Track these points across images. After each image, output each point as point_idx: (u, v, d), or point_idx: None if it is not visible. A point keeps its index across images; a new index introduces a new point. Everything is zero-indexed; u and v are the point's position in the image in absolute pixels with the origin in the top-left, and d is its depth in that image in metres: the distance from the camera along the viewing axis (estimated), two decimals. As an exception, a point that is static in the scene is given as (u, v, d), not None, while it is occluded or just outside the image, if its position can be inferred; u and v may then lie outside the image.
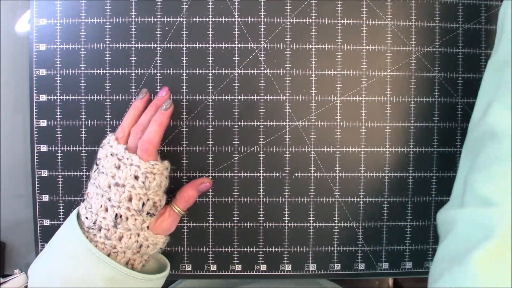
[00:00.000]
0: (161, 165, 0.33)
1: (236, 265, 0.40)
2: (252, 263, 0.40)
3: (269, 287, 0.44)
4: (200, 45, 0.40)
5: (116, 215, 0.32)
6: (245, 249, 0.40)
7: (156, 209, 0.34)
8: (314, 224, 0.40)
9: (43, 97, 0.40)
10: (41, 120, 0.40)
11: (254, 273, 0.40)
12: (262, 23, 0.40)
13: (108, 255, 0.32)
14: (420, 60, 0.40)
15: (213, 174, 0.40)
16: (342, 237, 0.41)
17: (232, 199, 0.40)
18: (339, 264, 0.41)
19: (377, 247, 0.41)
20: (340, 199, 0.40)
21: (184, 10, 0.40)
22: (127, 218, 0.32)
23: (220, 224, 0.40)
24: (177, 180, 0.40)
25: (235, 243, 0.40)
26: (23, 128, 0.41)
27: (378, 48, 0.40)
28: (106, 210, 0.32)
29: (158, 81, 0.40)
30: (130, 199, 0.32)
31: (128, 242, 0.32)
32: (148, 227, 0.34)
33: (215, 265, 0.40)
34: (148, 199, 0.32)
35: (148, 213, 0.33)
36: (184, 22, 0.40)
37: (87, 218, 0.33)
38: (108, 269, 0.31)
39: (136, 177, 0.32)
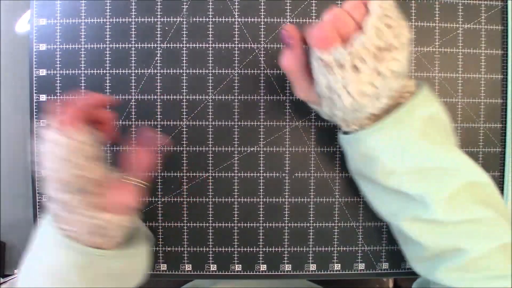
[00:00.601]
0: (73, 133, 0.28)
1: (236, 265, 0.40)
2: (252, 263, 0.40)
3: (247, 287, 0.44)
4: (200, 45, 0.40)
5: (64, 202, 0.28)
6: (245, 249, 0.40)
7: (96, 186, 0.29)
8: (314, 224, 0.40)
9: (43, 97, 0.40)
10: (41, 121, 0.40)
11: (254, 273, 0.40)
12: (262, 23, 0.40)
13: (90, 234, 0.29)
14: (420, 60, 0.40)
15: (213, 174, 0.40)
16: (342, 237, 0.41)
17: (232, 199, 0.40)
18: (339, 264, 0.41)
19: (377, 247, 0.41)
20: (340, 199, 0.40)
21: (184, 10, 0.40)
22: (71, 207, 0.28)
23: (220, 224, 0.40)
24: (177, 180, 0.40)
25: (235, 243, 0.40)
26: (23, 128, 0.41)
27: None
28: (57, 191, 0.28)
29: (158, 81, 0.40)
30: (58, 186, 0.28)
31: (83, 229, 0.28)
32: (101, 207, 0.29)
33: (215, 265, 0.40)
34: (78, 176, 0.28)
35: (90, 193, 0.28)
36: (184, 22, 0.40)
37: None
38: (75, 255, 0.28)
39: (55, 155, 0.28)
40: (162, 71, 0.40)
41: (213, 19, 0.40)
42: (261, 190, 0.40)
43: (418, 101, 0.30)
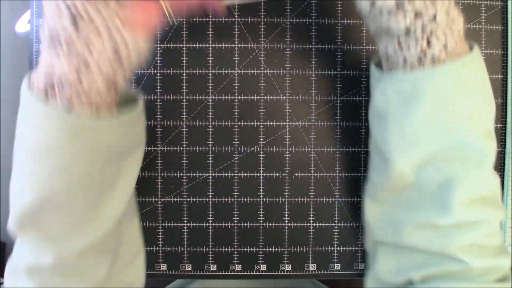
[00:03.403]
0: None
1: (236, 265, 0.40)
2: (252, 263, 0.40)
3: (247, 287, 0.44)
4: (200, 45, 0.40)
5: (72, 13, 0.23)
6: (245, 249, 0.40)
7: None
8: (314, 224, 0.40)
9: (43, 97, 0.40)
10: (41, 120, 0.40)
11: (254, 273, 0.40)
12: (262, 23, 0.40)
13: (80, 80, 0.24)
14: (420, 60, 0.40)
15: (213, 174, 0.40)
16: (342, 237, 0.41)
17: (232, 199, 0.40)
18: (339, 264, 0.41)
19: (377, 247, 0.41)
20: (340, 199, 0.40)
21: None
22: (86, 13, 0.23)
23: (220, 224, 0.40)
24: (176, 180, 0.40)
25: (235, 243, 0.40)
26: (23, 128, 0.41)
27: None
28: (62, 15, 0.24)
29: (158, 81, 0.40)
30: None
31: (101, 47, 0.24)
32: (121, 23, 0.24)
33: (215, 265, 0.40)
34: None
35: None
36: (184, 22, 0.40)
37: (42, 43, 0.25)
38: (63, 125, 0.24)
39: None
40: (162, 71, 0.40)
41: (213, 19, 0.40)
42: (261, 190, 0.40)
43: (478, 51, 0.28)
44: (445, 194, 0.27)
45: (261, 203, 0.40)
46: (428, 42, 0.26)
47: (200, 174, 0.40)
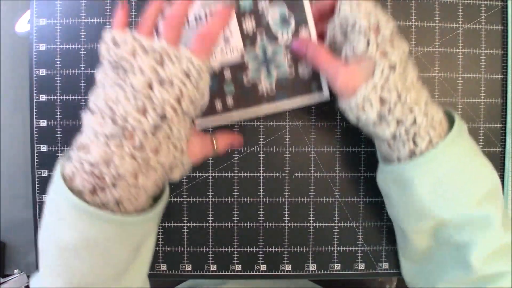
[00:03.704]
0: (209, 63, 0.29)
1: (236, 265, 0.40)
2: (252, 263, 0.40)
3: (247, 287, 0.44)
4: (200, 45, 0.39)
5: (163, 116, 0.26)
6: (245, 249, 0.40)
7: (196, 115, 0.30)
8: (314, 224, 0.40)
9: (43, 97, 0.40)
10: (41, 120, 0.40)
11: (254, 273, 0.40)
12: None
13: (137, 174, 0.26)
14: (420, 60, 0.40)
15: (213, 174, 0.40)
16: (342, 237, 0.41)
17: (232, 199, 0.40)
18: (339, 264, 0.41)
19: (377, 247, 0.41)
20: (340, 199, 0.40)
21: (184, 10, 0.39)
22: (172, 122, 0.27)
23: (220, 224, 0.40)
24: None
25: (235, 243, 0.40)
26: (23, 128, 0.41)
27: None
28: (144, 112, 0.26)
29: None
30: (178, 99, 0.26)
31: (166, 155, 0.27)
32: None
33: (215, 265, 0.40)
34: (196, 99, 0.28)
35: (190, 117, 0.29)
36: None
37: (105, 135, 0.25)
38: (110, 227, 0.25)
39: (187, 75, 0.27)
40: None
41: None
42: (261, 190, 0.40)
43: (460, 122, 0.30)
44: (463, 255, 0.30)
45: (261, 203, 0.40)
46: (414, 142, 0.29)
47: (200, 174, 0.40)
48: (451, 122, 0.31)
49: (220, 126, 0.38)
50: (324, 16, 0.34)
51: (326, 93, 0.34)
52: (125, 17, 0.29)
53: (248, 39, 0.35)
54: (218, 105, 0.35)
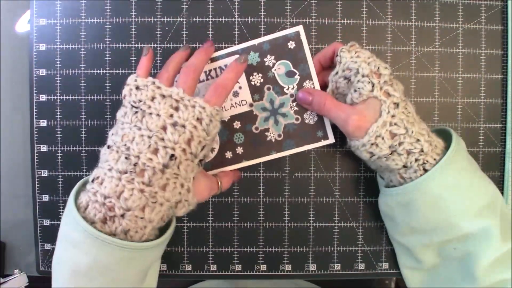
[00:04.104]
0: (222, 112, 0.32)
1: (236, 265, 0.40)
2: (252, 263, 0.40)
3: (245, 287, 0.44)
4: (200, 45, 0.40)
5: (172, 156, 0.29)
6: (245, 249, 0.40)
7: (205, 160, 0.32)
8: (314, 224, 0.40)
9: (43, 97, 0.40)
10: (41, 120, 0.40)
11: (254, 273, 0.40)
12: (262, 23, 0.40)
13: (143, 207, 0.28)
14: (420, 60, 0.40)
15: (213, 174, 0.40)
16: (342, 237, 0.41)
17: (232, 199, 0.40)
18: (339, 264, 0.41)
19: (377, 247, 0.41)
20: (340, 199, 0.40)
21: (184, 10, 0.40)
22: (180, 162, 0.29)
23: (220, 224, 0.40)
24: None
25: (235, 243, 0.40)
26: (23, 128, 0.41)
27: (378, 48, 0.40)
28: (156, 151, 0.29)
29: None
30: (188, 142, 0.30)
31: (172, 191, 0.29)
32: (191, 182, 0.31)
33: (215, 265, 0.40)
34: (206, 145, 0.31)
35: (200, 161, 0.31)
36: (184, 22, 0.40)
37: (115, 170, 0.29)
38: (119, 251, 0.28)
39: (199, 120, 0.30)
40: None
41: (213, 19, 0.40)
42: (261, 190, 0.40)
43: (458, 141, 0.32)
44: (467, 268, 0.31)
45: (261, 203, 0.40)
46: (425, 169, 0.31)
47: (200, 174, 0.40)
48: (449, 138, 0.33)
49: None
50: (325, 67, 0.37)
51: (331, 140, 0.37)
52: (149, 63, 0.33)
53: (256, 92, 0.38)
54: (228, 155, 0.37)
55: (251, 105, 0.37)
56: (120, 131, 0.30)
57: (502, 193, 0.41)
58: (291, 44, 0.37)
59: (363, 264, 0.41)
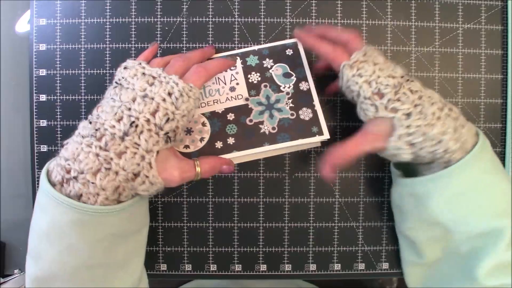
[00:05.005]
0: (197, 90, 0.32)
1: (236, 265, 0.40)
2: (252, 263, 0.40)
3: (245, 287, 0.44)
4: (200, 45, 0.40)
5: (133, 122, 0.29)
6: (245, 249, 0.40)
7: (174, 137, 0.31)
8: (314, 224, 0.40)
9: (43, 97, 0.40)
10: (41, 120, 0.40)
11: (254, 273, 0.40)
12: (262, 23, 0.40)
13: (96, 171, 0.28)
14: (420, 60, 0.40)
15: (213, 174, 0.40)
16: (342, 237, 0.41)
17: (232, 199, 0.40)
18: (339, 264, 0.41)
19: (377, 247, 0.41)
20: (340, 199, 0.40)
21: (184, 10, 0.40)
22: (141, 132, 0.29)
23: (220, 224, 0.40)
24: (177, 180, 0.40)
25: (235, 243, 0.40)
26: (23, 128, 0.41)
27: (378, 48, 0.40)
28: (120, 119, 0.29)
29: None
30: (154, 113, 0.29)
31: (129, 161, 0.28)
32: (157, 156, 0.30)
33: (215, 265, 0.40)
34: (173, 119, 0.30)
35: (165, 136, 0.30)
36: (184, 22, 0.40)
37: (80, 135, 0.29)
38: (69, 211, 0.27)
39: (170, 94, 0.30)
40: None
41: (213, 19, 0.40)
42: (261, 190, 0.40)
43: (483, 140, 0.32)
44: (469, 267, 0.31)
45: (261, 203, 0.40)
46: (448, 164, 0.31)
47: (200, 174, 0.40)
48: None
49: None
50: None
51: (326, 136, 0.36)
52: (149, 54, 0.34)
53: (253, 88, 0.37)
54: (219, 145, 0.36)
55: (247, 99, 0.37)
56: (100, 104, 0.31)
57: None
58: (289, 51, 0.38)
59: (363, 264, 0.41)
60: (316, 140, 0.36)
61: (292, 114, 0.36)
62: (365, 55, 0.32)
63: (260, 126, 0.36)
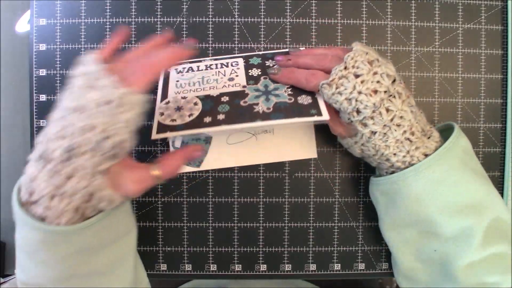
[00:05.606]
0: (141, 96, 0.27)
1: (236, 265, 0.40)
2: (252, 263, 0.40)
3: (244, 287, 0.44)
4: (200, 45, 0.40)
5: (69, 146, 0.25)
6: (245, 249, 0.40)
7: (119, 152, 0.27)
8: (314, 224, 0.40)
9: (43, 97, 0.40)
10: (41, 120, 0.40)
11: (254, 273, 0.40)
12: (262, 23, 0.40)
13: (53, 196, 0.26)
14: (420, 60, 0.40)
15: (213, 174, 0.40)
16: (342, 237, 0.41)
17: (232, 199, 0.40)
18: (339, 264, 0.41)
19: (377, 247, 0.41)
20: (340, 199, 0.40)
21: (184, 10, 0.40)
22: (83, 153, 0.25)
23: (220, 224, 0.40)
24: (176, 180, 0.40)
25: (235, 243, 0.40)
26: (23, 128, 0.41)
27: (378, 48, 0.40)
28: (63, 138, 0.26)
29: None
30: (91, 129, 0.25)
31: (76, 185, 0.25)
32: (107, 173, 0.27)
33: (215, 265, 0.40)
34: (113, 134, 0.26)
35: (108, 153, 0.26)
36: (184, 22, 0.40)
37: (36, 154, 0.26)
38: (35, 231, 0.26)
39: (107, 103, 0.26)
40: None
41: (213, 19, 0.40)
42: (261, 190, 0.40)
43: (458, 133, 0.33)
44: (447, 269, 0.31)
45: (261, 203, 0.40)
46: (411, 164, 0.32)
47: (200, 174, 0.40)
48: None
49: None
50: None
51: (326, 117, 0.33)
52: (115, 44, 0.31)
53: (252, 79, 0.36)
54: (207, 119, 0.33)
55: (244, 86, 0.35)
56: (55, 111, 0.28)
57: (502, 193, 0.41)
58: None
59: (363, 264, 0.41)
60: (314, 119, 0.33)
61: (290, 99, 0.34)
62: (345, 68, 0.31)
63: (255, 106, 0.33)
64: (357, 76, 0.31)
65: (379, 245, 0.41)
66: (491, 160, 0.41)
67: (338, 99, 0.31)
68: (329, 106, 0.33)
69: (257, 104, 0.33)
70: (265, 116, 0.32)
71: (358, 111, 0.31)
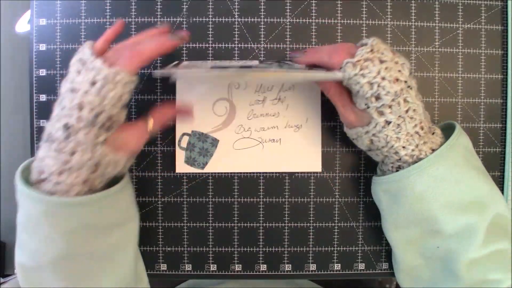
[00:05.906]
0: (126, 75, 0.29)
1: (236, 265, 0.40)
2: (252, 263, 0.40)
3: (245, 287, 0.44)
4: (200, 45, 0.40)
5: (66, 124, 0.28)
6: (245, 249, 0.40)
7: (112, 124, 0.30)
8: (314, 224, 0.40)
9: (43, 97, 0.40)
10: (41, 120, 0.40)
11: (254, 273, 0.40)
12: (262, 23, 0.40)
13: (61, 172, 0.28)
14: (420, 60, 0.40)
15: (213, 174, 0.40)
16: (342, 237, 0.41)
17: (232, 199, 0.40)
18: (339, 264, 0.41)
19: (377, 247, 0.41)
20: (340, 199, 0.40)
21: (184, 10, 0.40)
22: (78, 131, 0.28)
23: (220, 224, 0.40)
24: (176, 180, 0.40)
25: (235, 243, 0.40)
26: (23, 128, 0.41)
27: (378, 48, 0.40)
28: (62, 118, 0.29)
29: (158, 81, 0.40)
30: (81, 108, 0.28)
31: (81, 159, 0.28)
32: (106, 142, 0.30)
33: (215, 265, 0.40)
34: (103, 111, 0.29)
35: (103, 127, 0.29)
36: (184, 22, 0.40)
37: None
38: (38, 204, 0.28)
39: (94, 83, 0.28)
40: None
41: (213, 19, 0.40)
42: (261, 190, 0.40)
43: (460, 131, 0.33)
44: (450, 266, 0.31)
45: (261, 203, 0.40)
46: (415, 161, 0.32)
47: (200, 174, 0.40)
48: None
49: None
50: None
51: (339, 74, 0.31)
52: (110, 36, 0.33)
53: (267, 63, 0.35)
54: (211, 64, 0.32)
55: (259, 61, 0.35)
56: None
57: (502, 193, 0.41)
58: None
59: (363, 264, 0.41)
60: (328, 74, 0.31)
61: (304, 69, 0.33)
62: (371, 51, 0.30)
63: (266, 68, 0.33)
64: (381, 61, 0.30)
65: (379, 245, 0.41)
66: (491, 160, 0.41)
67: (360, 81, 0.30)
68: (342, 92, 0.33)
69: (270, 66, 0.34)
70: (278, 70, 0.32)
71: (377, 98, 0.30)
